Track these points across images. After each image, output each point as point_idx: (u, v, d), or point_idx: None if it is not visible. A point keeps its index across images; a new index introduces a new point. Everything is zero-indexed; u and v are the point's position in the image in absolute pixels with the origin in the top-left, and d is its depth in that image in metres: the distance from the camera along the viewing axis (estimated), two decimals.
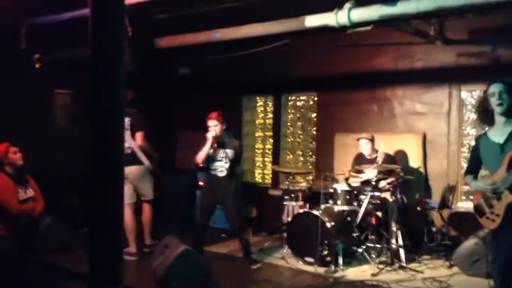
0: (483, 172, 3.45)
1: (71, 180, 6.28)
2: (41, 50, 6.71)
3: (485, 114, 3.28)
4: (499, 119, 3.22)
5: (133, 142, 5.45)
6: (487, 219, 3.23)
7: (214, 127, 5.17)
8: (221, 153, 5.27)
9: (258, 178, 8.15)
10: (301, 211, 5.55)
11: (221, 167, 5.26)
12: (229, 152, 5.27)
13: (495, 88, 3.18)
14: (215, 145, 5.23)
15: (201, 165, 5.41)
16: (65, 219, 5.80)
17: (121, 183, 2.40)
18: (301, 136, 7.70)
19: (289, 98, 7.75)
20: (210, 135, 5.15)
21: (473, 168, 3.44)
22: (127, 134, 5.36)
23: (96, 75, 2.35)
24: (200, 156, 5.21)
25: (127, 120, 5.35)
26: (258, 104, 8.19)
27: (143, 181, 5.61)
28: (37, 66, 6.69)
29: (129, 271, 5.02)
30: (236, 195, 5.51)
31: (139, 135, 5.49)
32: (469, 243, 4.87)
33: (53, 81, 7.06)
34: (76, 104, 7.51)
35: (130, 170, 5.33)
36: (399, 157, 6.12)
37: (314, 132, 7.42)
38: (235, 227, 5.41)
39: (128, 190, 5.32)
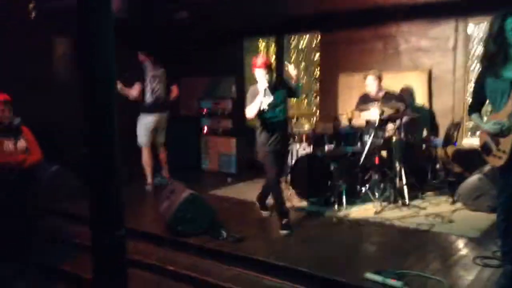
0: (488, 107, 3.38)
1: (75, 130, 6.30)
2: None
3: (495, 56, 3.08)
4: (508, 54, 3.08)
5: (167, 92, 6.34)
6: (494, 157, 3.18)
7: (264, 76, 4.51)
8: (277, 98, 4.63)
9: None
10: (304, 153, 5.56)
11: (280, 112, 4.68)
12: (283, 92, 4.71)
13: (509, 23, 3.00)
14: (269, 94, 4.58)
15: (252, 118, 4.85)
16: (73, 168, 5.88)
17: (116, 131, 2.39)
18: (305, 78, 7.59)
19: (292, 38, 7.58)
20: (261, 87, 4.53)
21: (478, 105, 3.36)
22: (162, 85, 6.29)
23: (80, 21, 2.29)
24: (253, 111, 4.60)
25: (162, 72, 6.32)
26: (260, 47, 8.03)
27: (164, 127, 6.48)
28: (32, 15, 6.54)
29: (139, 215, 5.16)
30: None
31: (175, 88, 6.42)
32: (473, 179, 4.88)
33: (51, 29, 6.93)
34: (76, 52, 7.38)
35: (163, 116, 6.35)
36: (405, 95, 6.03)
37: (318, 73, 7.30)
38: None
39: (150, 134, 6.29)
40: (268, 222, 4.99)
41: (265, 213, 5.14)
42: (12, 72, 5.97)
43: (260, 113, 4.63)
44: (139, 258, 4.15)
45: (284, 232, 4.47)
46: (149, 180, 6.39)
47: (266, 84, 4.51)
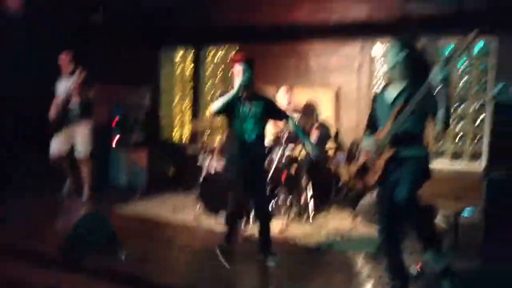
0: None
1: None
2: None
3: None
4: (394, 76, 3.25)
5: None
6: (371, 173, 3.32)
7: (242, 71, 3.93)
8: (251, 108, 4.03)
9: (176, 136, 7.99)
10: (213, 168, 5.52)
11: (253, 126, 4.03)
12: (261, 105, 4.06)
13: (386, 48, 3.18)
14: (244, 96, 3.99)
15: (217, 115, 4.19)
16: None
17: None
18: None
19: (209, 50, 7.53)
20: (237, 79, 3.96)
21: (370, 126, 3.49)
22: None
23: None
24: (217, 104, 3.97)
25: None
26: (177, 57, 7.89)
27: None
28: None
29: (31, 235, 4.83)
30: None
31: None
32: (371, 196, 5.07)
33: None
34: None
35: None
36: (312, 109, 6.16)
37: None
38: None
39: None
40: (171, 242, 4.85)
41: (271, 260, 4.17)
42: None
43: (230, 116, 4.03)
44: (31, 280, 3.88)
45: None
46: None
47: (240, 81, 3.91)
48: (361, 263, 4.15)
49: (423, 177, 3.18)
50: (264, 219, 4.23)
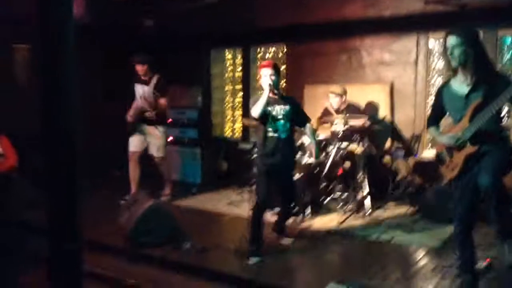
0: (448, 120, 3.46)
1: (34, 138, 6.13)
2: None
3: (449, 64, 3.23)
4: (461, 69, 3.19)
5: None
6: (447, 168, 3.28)
7: (270, 76, 4.18)
8: (280, 109, 4.26)
9: (228, 132, 8.11)
10: None
11: (281, 127, 4.22)
12: (289, 109, 4.27)
13: (449, 42, 3.12)
14: (273, 98, 4.24)
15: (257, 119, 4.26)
16: (33, 177, 5.70)
17: (75, 139, 2.33)
18: None
19: (258, 50, 7.62)
20: (266, 83, 4.17)
21: (436, 118, 3.45)
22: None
23: (40, 27, 2.24)
24: (259, 107, 4.12)
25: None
26: (226, 57, 8.03)
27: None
28: None
29: (99, 227, 5.02)
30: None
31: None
32: (433, 190, 4.99)
33: (11, 36, 6.75)
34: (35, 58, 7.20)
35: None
36: (368, 107, 6.15)
37: (284, 84, 7.35)
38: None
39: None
40: (231, 233, 4.95)
41: (285, 241, 4.61)
42: None
43: (265, 117, 4.20)
44: (99, 271, 4.04)
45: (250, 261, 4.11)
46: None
47: (270, 82, 4.15)
48: (424, 257, 4.10)
49: (505, 167, 3.13)
50: (288, 211, 4.61)
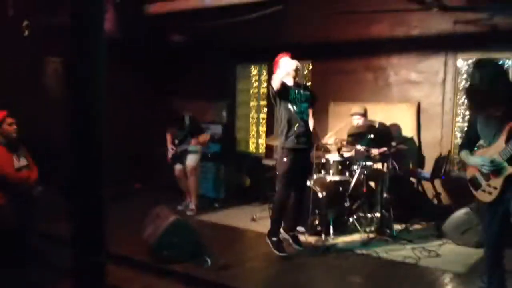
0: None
1: (61, 149, 6.24)
2: (30, 17, 6.55)
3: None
4: None
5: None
6: (483, 192, 3.18)
7: (289, 62, 4.57)
8: (301, 94, 4.67)
9: (252, 148, 8.13)
10: None
11: (304, 110, 4.67)
12: (308, 95, 4.72)
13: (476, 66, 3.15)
14: (294, 84, 4.65)
15: (279, 90, 4.55)
16: (60, 188, 5.77)
17: (100, 155, 2.36)
18: None
19: None
20: (291, 66, 4.57)
21: (470, 142, 3.38)
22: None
23: (72, 42, 2.29)
24: (277, 80, 4.47)
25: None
26: (252, 73, 8.08)
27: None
28: (26, 33, 6.54)
29: (121, 241, 5.04)
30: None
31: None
32: (460, 213, 4.88)
33: (43, 48, 6.93)
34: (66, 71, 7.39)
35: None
36: (393, 127, 6.09)
37: None
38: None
39: None
40: (254, 249, 4.93)
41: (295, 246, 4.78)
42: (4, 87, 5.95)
43: (285, 94, 4.55)
44: (122, 284, 4.06)
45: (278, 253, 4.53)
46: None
47: (293, 67, 4.56)
48: (449, 283, 4.00)
49: None
50: (301, 201, 4.84)
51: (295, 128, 4.57)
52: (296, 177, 4.67)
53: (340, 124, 6.38)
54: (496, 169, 3.06)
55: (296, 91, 4.62)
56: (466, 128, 3.47)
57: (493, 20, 5.58)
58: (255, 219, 5.88)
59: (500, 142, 3.05)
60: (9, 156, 5.01)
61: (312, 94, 4.82)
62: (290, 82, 4.61)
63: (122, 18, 5.91)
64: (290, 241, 4.77)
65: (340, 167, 5.48)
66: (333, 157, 5.54)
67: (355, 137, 5.48)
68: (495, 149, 3.08)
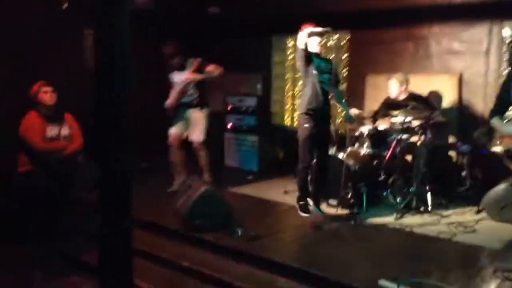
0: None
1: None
2: None
3: None
4: None
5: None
6: None
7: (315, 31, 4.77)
8: (325, 64, 4.94)
9: (287, 121, 8.05)
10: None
11: (327, 80, 4.87)
12: (330, 66, 4.97)
13: None
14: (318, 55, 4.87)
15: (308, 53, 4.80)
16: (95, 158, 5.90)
17: (125, 131, 2.38)
18: None
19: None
20: (315, 43, 4.84)
21: (501, 107, 3.21)
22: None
23: (98, 14, 2.31)
24: (302, 40, 4.77)
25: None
26: (288, 45, 7.94)
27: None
28: (64, 6, 6.64)
29: (154, 210, 5.16)
30: None
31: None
32: (499, 189, 4.65)
33: (81, 21, 7.03)
34: None
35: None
36: (433, 98, 5.87)
37: (346, 73, 7.17)
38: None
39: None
40: (285, 222, 4.93)
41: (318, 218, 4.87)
42: (45, 62, 6.08)
43: (309, 59, 4.72)
44: (153, 251, 4.16)
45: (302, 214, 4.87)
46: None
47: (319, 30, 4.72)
48: (485, 258, 3.87)
49: None
50: (323, 172, 5.03)
51: (316, 96, 4.75)
52: (317, 143, 4.88)
53: (378, 95, 6.23)
54: None
55: (320, 60, 4.82)
56: (498, 92, 3.25)
57: None
58: (287, 192, 5.86)
59: None
60: (42, 125, 5.12)
61: (336, 69, 5.04)
62: (315, 48, 4.79)
63: None
64: (312, 206, 4.99)
65: (375, 139, 5.35)
66: (368, 129, 5.41)
67: (392, 107, 5.32)
68: None
